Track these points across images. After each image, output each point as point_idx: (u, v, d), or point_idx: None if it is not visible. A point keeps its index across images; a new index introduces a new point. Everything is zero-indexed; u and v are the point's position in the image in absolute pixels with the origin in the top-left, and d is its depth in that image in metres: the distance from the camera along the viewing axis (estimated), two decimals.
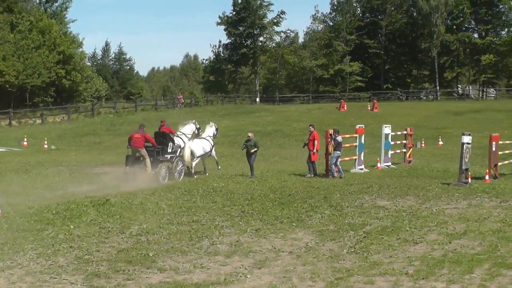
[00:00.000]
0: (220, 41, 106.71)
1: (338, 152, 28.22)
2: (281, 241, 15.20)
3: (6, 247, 14.29)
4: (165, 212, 18.57)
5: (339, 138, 28.46)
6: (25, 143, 44.70)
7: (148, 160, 25.77)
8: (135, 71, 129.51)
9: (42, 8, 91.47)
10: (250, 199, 20.85)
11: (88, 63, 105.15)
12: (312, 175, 27.87)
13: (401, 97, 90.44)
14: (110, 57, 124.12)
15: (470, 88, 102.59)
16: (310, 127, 29.71)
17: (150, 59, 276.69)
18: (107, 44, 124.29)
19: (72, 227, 16.42)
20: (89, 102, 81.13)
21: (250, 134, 29.36)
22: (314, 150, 28.53)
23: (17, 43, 73.72)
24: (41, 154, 38.00)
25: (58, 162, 33.25)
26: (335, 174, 27.96)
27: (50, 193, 22.45)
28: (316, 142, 28.60)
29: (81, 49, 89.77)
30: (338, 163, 28.36)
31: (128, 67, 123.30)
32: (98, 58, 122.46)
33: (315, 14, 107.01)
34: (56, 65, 76.86)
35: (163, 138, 27.69)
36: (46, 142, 43.77)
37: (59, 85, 78.58)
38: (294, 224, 17.06)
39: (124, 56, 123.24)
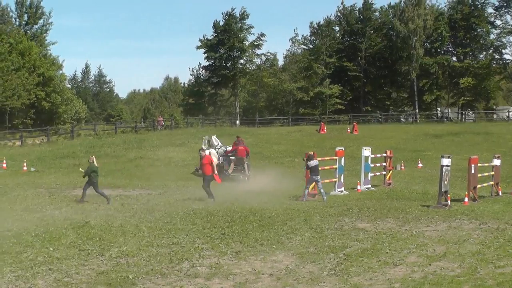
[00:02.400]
0: (199, 64, 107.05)
1: (314, 177, 28.11)
2: (261, 263, 15.17)
3: None
4: (145, 234, 18.49)
5: (312, 162, 28.25)
6: (4, 165, 44.37)
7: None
8: (115, 93, 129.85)
9: (22, 30, 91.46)
10: (230, 221, 20.81)
11: (68, 85, 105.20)
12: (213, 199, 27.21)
13: (380, 119, 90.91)
14: (90, 79, 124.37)
15: (449, 110, 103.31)
16: (201, 151, 30.23)
17: (130, 82, 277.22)
18: (87, 67, 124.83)
19: (51, 249, 16.31)
20: (69, 124, 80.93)
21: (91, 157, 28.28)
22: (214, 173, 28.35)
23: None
24: (20, 176, 37.80)
25: (38, 184, 33.10)
26: (304, 199, 27.80)
27: (29, 215, 22.31)
28: (213, 164, 28.48)
29: (61, 71, 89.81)
30: (320, 186, 28.28)
31: (108, 89, 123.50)
32: (78, 80, 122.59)
33: (294, 37, 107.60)
34: (36, 87, 76.78)
35: None
36: (25, 164, 43.53)
37: (39, 107, 78.44)
38: (274, 246, 17.04)
39: (104, 79, 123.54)
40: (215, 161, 34.19)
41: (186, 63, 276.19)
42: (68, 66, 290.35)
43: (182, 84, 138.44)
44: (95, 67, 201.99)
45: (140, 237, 18.10)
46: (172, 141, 62.37)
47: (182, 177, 38.71)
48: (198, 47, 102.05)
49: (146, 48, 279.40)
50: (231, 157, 40.00)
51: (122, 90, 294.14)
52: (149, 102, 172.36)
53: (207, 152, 34.86)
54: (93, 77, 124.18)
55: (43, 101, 78.04)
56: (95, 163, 27.09)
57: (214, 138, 44.09)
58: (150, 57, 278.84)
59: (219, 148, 41.79)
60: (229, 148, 41.02)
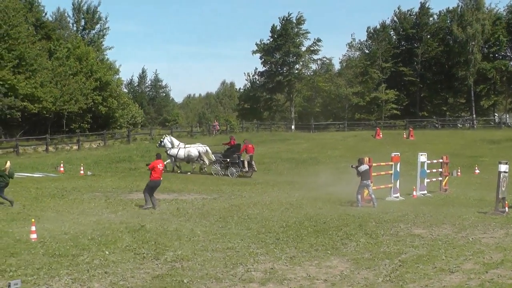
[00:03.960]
0: (256, 69, 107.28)
1: (364, 181, 27.96)
2: (316, 268, 15.12)
3: (42, 272, 14.39)
4: (200, 239, 18.58)
5: (363, 167, 28.13)
6: (62, 169, 45.05)
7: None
8: (171, 98, 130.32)
9: (80, 35, 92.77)
10: (285, 227, 20.81)
11: (125, 90, 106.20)
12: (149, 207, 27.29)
13: (437, 125, 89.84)
14: (146, 84, 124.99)
15: (507, 116, 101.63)
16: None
17: (186, 86, 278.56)
18: (143, 71, 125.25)
19: (107, 252, 16.49)
20: (125, 129, 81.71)
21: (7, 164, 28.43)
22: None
23: (54, 70, 74.57)
24: (77, 180, 38.29)
25: (94, 188, 33.50)
26: (360, 204, 27.69)
27: (86, 219, 22.60)
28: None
29: (117, 76, 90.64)
30: (371, 191, 28.14)
31: (164, 94, 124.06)
32: (135, 85, 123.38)
33: (351, 42, 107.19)
34: (93, 91, 77.60)
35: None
36: (82, 168, 44.13)
37: (96, 111, 79.26)
38: (329, 252, 16.97)
39: (160, 83, 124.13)
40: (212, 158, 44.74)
41: (242, 68, 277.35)
42: (125, 71, 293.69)
43: (238, 89, 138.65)
44: (152, 72, 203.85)
45: (195, 242, 18.19)
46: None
47: (237, 182, 38.80)
48: (254, 52, 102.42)
49: (202, 53, 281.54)
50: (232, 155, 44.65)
51: (177, 95, 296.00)
52: (205, 106, 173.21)
53: (182, 151, 45.12)
54: (149, 82, 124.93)
55: (100, 106, 78.86)
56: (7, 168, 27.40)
57: (173, 138, 48.36)
58: (206, 62, 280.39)
59: (180, 148, 46.02)
60: (200, 147, 46.29)
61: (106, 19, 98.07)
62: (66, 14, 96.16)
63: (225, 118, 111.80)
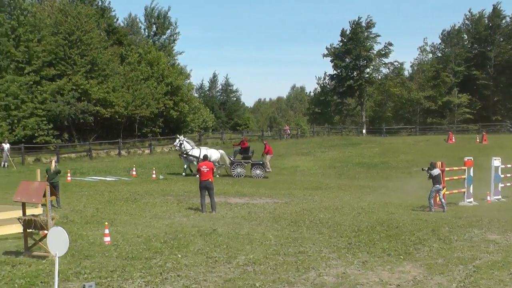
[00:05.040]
0: (325, 73, 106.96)
1: (436, 186, 27.68)
2: (389, 273, 14.99)
3: (115, 275, 14.61)
4: (272, 243, 18.62)
5: (435, 171, 27.85)
6: (134, 172, 45.69)
7: None
8: (241, 102, 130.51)
9: (151, 41, 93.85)
10: (357, 231, 20.71)
11: (196, 95, 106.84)
12: None
13: (511, 129, 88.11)
14: (217, 89, 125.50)
15: None
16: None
17: (256, 91, 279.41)
18: (214, 76, 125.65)
19: (180, 256, 16.66)
20: (196, 133, 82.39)
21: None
22: None
23: (126, 75, 75.75)
24: (149, 184, 38.79)
25: (166, 192, 33.91)
26: (433, 209, 27.42)
27: (158, 222, 22.90)
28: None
29: (188, 81, 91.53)
30: (441, 196, 27.87)
31: (235, 99, 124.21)
32: (205, 89, 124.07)
33: (423, 46, 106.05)
34: (164, 96, 78.50)
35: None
36: (154, 172, 44.66)
37: (167, 115, 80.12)
38: (401, 257, 16.82)
39: (231, 88, 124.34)
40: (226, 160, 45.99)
41: (312, 72, 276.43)
42: (196, 76, 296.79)
43: (308, 93, 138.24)
44: (222, 77, 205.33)
45: (266, 246, 18.24)
46: (298, 150, 62.71)
47: (309, 186, 38.75)
48: (324, 55, 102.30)
49: (273, 57, 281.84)
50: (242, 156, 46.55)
51: (248, 99, 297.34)
52: (275, 111, 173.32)
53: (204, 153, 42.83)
54: (220, 86, 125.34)
55: (171, 110, 79.68)
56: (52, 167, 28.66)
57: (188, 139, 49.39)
58: (277, 66, 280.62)
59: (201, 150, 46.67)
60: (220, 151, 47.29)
61: (176, 24, 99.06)
62: (137, 20, 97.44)
63: (296, 122, 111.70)
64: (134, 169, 46.70)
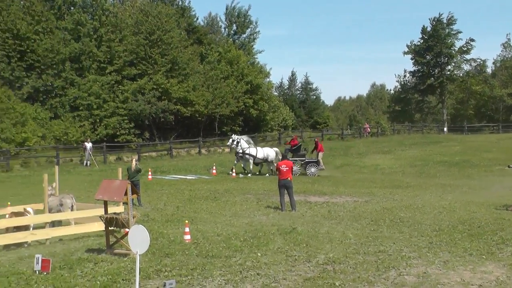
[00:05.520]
0: (405, 70, 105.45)
1: None
2: (470, 274, 14.72)
3: (196, 273, 14.74)
4: (352, 242, 18.53)
5: None
6: (214, 171, 46.05)
7: None
8: (321, 101, 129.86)
9: (231, 39, 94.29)
10: (438, 230, 20.40)
11: (275, 93, 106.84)
12: None
13: None
14: (297, 87, 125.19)
15: None
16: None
17: (336, 89, 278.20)
18: (293, 74, 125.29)
19: (259, 254, 16.70)
20: (276, 132, 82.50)
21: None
22: None
23: (206, 74, 76.44)
24: (229, 182, 39.01)
25: (246, 190, 34.06)
26: None
27: (238, 221, 23.03)
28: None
29: (268, 79, 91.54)
30: None
31: (315, 97, 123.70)
32: (285, 87, 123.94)
33: (507, 41, 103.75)
34: (244, 94, 78.81)
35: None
36: (233, 170, 44.89)
37: (247, 114, 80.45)
38: (484, 256, 16.49)
39: (311, 86, 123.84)
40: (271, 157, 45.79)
41: (392, 70, 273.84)
42: (275, 74, 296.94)
43: (388, 91, 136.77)
44: (302, 75, 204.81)
45: (346, 244, 18.15)
46: (379, 148, 62.20)
47: (389, 185, 38.38)
48: (405, 53, 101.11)
49: (352, 55, 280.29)
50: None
51: (328, 97, 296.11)
52: (355, 109, 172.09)
53: (261, 151, 45.98)
54: (299, 85, 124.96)
55: (251, 109, 79.96)
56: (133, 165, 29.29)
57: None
58: (357, 64, 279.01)
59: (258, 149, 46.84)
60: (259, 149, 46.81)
61: (256, 23, 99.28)
62: (218, 19, 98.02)
63: (376, 120, 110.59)
64: (214, 167, 47.05)
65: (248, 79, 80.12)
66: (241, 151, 46.06)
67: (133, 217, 17.20)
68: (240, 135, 50.71)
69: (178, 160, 58.37)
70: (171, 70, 71.43)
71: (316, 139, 50.88)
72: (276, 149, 47.57)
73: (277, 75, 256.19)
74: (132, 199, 20.11)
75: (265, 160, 46.07)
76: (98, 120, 65.35)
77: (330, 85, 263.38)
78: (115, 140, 65.41)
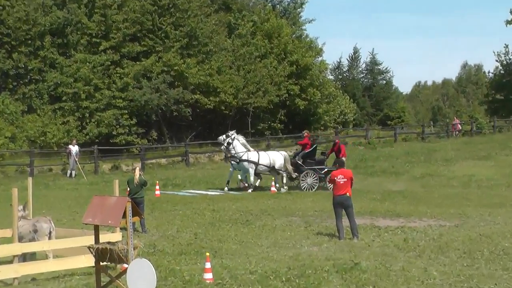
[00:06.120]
0: (505, 45, 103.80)
1: None
2: None
3: None
4: (437, 282, 18.41)
5: None
6: (245, 184, 45.90)
7: None
8: (394, 87, 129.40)
9: (270, 4, 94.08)
10: None
11: (331, 77, 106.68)
12: None
13: None
14: (360, 69, 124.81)
15: None
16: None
17: (414, 71, 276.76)
18: (355, 52, 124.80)
19: None
20: (331, 129, 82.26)
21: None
22: None
23: (236, 51, 76.35)
24: (267, 199, 38.93)
25: (290, 211, 34.00)
26: None
27: (279, 253, 22.95)
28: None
29: (320, 58, 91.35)
30: None
31: (385, 82, 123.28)
32: (344, 70, 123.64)
33: None
34: (288, 79, 78.61)
35: None
36: (273, 183, 44.74)
37: (291, 106, 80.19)
38: None
39: (379, 67, 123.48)
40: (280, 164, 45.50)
41: (490, 45, 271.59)
42: (330, 52, 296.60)
43: (486, 74, 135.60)
44: (367, 52, 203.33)
45: (429, 285, 18.08)
46: (473, 152, 61.84)
47: (488, 203, 38.05)
48: (508, 22, 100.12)
49: (436, 25, 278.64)
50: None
51: (403, 83, 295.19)
52: (440, 98, 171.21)
53: (265, 157, 45.40)
54: (363, 66, 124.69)
55: (297, 99, 79.61)
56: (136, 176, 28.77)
57: (242, 138, 47.66)
58: (442, 37, 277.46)
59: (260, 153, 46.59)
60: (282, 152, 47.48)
61: None
62: None
63: (470, 114, 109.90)
64: (243, 181, 46.93)
65: (293, 58, 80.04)
66: (233, 153, 45.53)
67: (134, 248, 17.12)
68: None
69: (196, 169, 58.53)
70: (188, 47, 71.60)
71: (336, 140, 50.00)
72: (284, 153, 47.40)
73: (333, 53, 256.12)
74: (134, 223, 20.03)
75: (270, 169, 45.67)
76: (87, 115, 65.35)
77: (405, 66, 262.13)
78: (111, 142, 65.51)
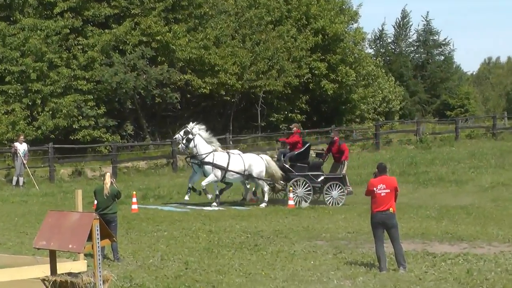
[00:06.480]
0: None
1: None
2: None
3: None
4: None
5: None
6: (253, 197, 46.02)
7: None
8: (455, 65, 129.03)
9: None
10: None
11: (369, 51, 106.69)
12: None
13: None
14: (410, 40, 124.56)
15: None
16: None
17: (483, 45, 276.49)
18: (404, 16, 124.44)
19: None
20: (370, 122, 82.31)
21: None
22: None
23: (240, 15, 76.25)
24: (283, 217, 39.12)
25: (313, 232, 34.18)
26: None
27: None
28: None
29: (355, 25, 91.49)
30: None
31: (443, 58, 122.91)
32: (387, 41, 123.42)
33: None
34: (311, 53, 78.65)
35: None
36: (291, 193, 44.76)
37: (316, 90, 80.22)
38: None
39: (435, 38, 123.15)
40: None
41: None
42: (369, 16, 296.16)
43: None
44: (419, 17, 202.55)
45: None
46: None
47: None
48: None
49: None
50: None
51: (468, 59, 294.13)
52: None
53: (238, 160, 45.20)
54: (414, 36, 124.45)
55: (324, 80, 79.60)
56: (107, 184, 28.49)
57: (205, 133, 47.16)
58: None
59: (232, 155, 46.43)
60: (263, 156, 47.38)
61: None
62: None
63: None
64: (254, 189, 47.13)
65: (318, 25, 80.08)
66: (195, 152, 45.43)
67: (103, 282, 17.38)
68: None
69: (186, 174, 58.61)
70: (175, 9, 71.65)
71: (335, 137, 48.57)
72: (265, 156, 47.36)
73: (373, 19, 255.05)
74: (103, 248, 20.16)
75: (247, 176, 45.51)
76: (39, 102, 65.16)
77: (471, 37, 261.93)
78: (71, 138, 65.50)
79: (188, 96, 73.17)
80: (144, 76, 67.85)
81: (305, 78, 78.12)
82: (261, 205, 44.40)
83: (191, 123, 47.29)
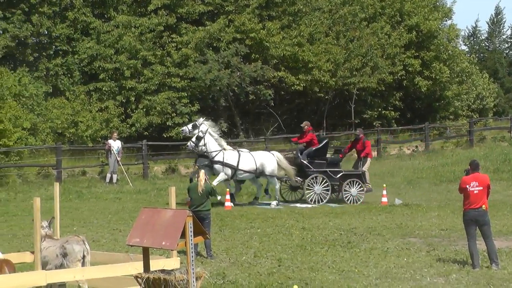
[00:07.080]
0: None
1: None
2: None
3: None
4: None
5: None
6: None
7: None
8: None
9: None
10: None
11: (463, 48, 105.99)
12: None
13: None
14: (505, 36, 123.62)
15: None
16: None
17: None
18: (498, 12, 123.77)
19: None
20: (464, 120, 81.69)
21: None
22: None
23: (334, 12, 76.15)
24: (376, 214, 38.97)
25: (407, 229, 34.12)
26: None
27: (392, 286, 23.13)
28: None
29: (449, 22, 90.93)
30: None
31: None
32: (481, 38, 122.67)
33: None
34: (405, 51, 78.38)
35: None
36: (384, 191, 44.66)
37: (409, 87, 79.88)
38: None
39: None
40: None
41: None
42: (463, 13, 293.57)
43: None
44: None
45: None
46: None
47: None
48: None
49: None
50: None
51: None
52: None
53: (249, 159, 44.51)
54: (508, 32, 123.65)
55: (417, 77, 79.22)
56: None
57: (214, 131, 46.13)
58: None
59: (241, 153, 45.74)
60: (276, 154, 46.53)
61: None
62: None
63: None
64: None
65: (412, 22, 79.78)
66: (204, 151, 44.64)
67: (196, 279, 17.36)
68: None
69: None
70: (269, 6, 71.63)
71: (360, 135, 48.52)
72: (276, 152, 46.88)
73: (467, 15, 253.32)
74: (196, 245, 20.19)
75: (257, 175, 45.06)
76: (133, 99, 65.42)
77: None
78: (165, 136, 65.69)
79: (282, 93, 73.20)
80: (238, 73, 67.86)
81: (399, 75, 77.88)
82: (271, 204, 44.18)
83: (200, 118, 47.26)
